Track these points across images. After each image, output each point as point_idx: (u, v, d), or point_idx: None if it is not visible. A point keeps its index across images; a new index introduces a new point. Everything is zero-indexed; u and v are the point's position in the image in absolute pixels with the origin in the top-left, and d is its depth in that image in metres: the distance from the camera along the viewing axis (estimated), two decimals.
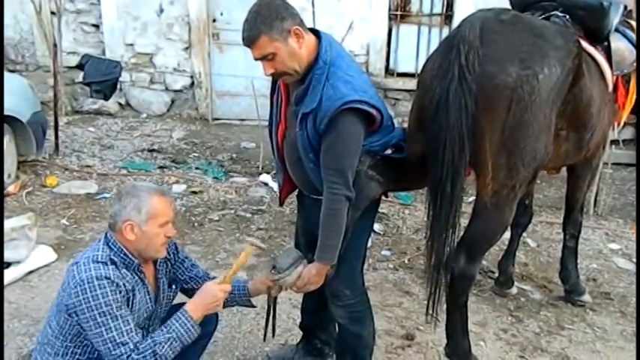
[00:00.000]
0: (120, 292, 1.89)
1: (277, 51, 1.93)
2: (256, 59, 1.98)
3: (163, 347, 1.88)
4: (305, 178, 2.17)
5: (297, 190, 2.40)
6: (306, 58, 1.98)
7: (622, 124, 3.18)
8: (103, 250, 1.96)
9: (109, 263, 1.92)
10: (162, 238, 2.01)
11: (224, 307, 2.37)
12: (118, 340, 1.84)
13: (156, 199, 1.98)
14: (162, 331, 1.92)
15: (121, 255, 1.97)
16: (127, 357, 1.84)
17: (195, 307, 2.00)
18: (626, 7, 2.96)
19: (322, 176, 2.04)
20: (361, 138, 2.03)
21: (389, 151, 2.22)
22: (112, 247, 1.97)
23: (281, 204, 2.48)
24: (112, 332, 1.84)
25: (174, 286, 2.24)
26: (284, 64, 1.96)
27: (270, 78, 2.14)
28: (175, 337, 1.91)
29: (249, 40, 1.93)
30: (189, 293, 2.29)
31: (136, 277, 2.01)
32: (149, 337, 1.91)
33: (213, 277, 2.35)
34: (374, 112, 2.00)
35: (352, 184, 2.04)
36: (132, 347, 1.84)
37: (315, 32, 2.06)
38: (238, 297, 2.28)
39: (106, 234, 2.02)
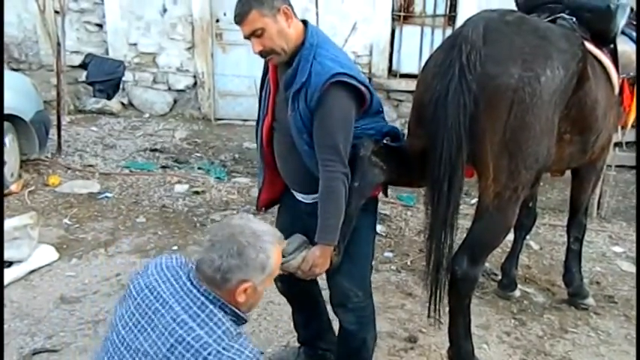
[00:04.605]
0: None
1: (266, 27, 1.95)
2: (245, 37, 2.01)
3: None
4: (297, 168, 2.14)
5: (278, 200, 2.43)
6: (294, 39, 2.01)
7: (629, 126, 3.15)
8: (223, 317, 1.50)
9: (242, 334, 1.51)
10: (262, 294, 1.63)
11: None
12: None
13: (278, 251, 1.60)
14: None
15: (235, 317, 1.56)
16: None
17: None
18: (632, 10, 2.94)
19: (317, 156, 2.03)
20: (352, 113, 2.03)
21: (387, 139, 2.22)
22: (227, 310, 1.53)
23: (258, 208, 2.47)
24: None
25: None
26: (272, 42, 1.98)
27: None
28: None
29: (240, 16, 1.97)
30: None
31: None
32: None
33: None
34: (362, 88, 2.00)
35: (351, 169, 2.04)
36: None
37: (302, 22, 2.09)
38: None
39: (208, 294, 1.51)
